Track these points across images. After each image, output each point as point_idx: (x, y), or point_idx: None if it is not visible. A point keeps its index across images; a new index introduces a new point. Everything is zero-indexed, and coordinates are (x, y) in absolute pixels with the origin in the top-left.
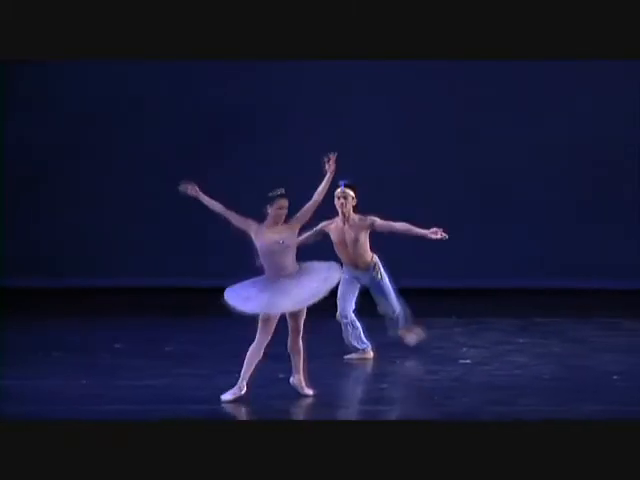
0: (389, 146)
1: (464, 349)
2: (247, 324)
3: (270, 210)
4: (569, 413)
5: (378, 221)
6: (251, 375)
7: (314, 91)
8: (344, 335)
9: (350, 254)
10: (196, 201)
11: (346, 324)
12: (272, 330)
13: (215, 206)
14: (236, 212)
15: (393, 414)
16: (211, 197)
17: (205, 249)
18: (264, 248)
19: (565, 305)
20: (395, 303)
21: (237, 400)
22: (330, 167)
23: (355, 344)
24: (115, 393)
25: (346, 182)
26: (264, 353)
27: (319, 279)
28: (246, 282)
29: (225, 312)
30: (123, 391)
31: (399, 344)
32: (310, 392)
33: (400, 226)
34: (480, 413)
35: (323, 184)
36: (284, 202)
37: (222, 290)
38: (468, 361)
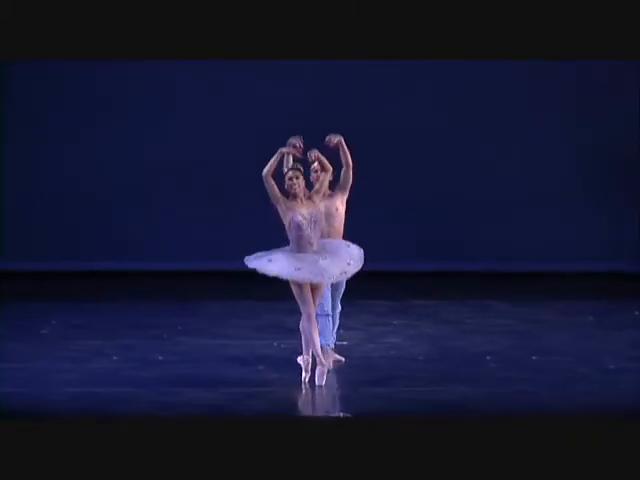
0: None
1: (340, 331)
2: (122, 308)
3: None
4: (443, 393)
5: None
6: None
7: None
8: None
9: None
10: None
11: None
12: (311, 299)
13: (271, 167)
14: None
15: (269, 396)
16: None
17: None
18: (293, 223)
19: (438, 288)
20: None
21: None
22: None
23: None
24: None
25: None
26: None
27: (345, 261)
28: (268, 252)
29: (105, 296)
30: None
31: (278, 326)
32: (322, 381)
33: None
34: (356, 394)
35: (345, 151)
36: (292, 174)
37: (100, 274)
38: (345, 342)
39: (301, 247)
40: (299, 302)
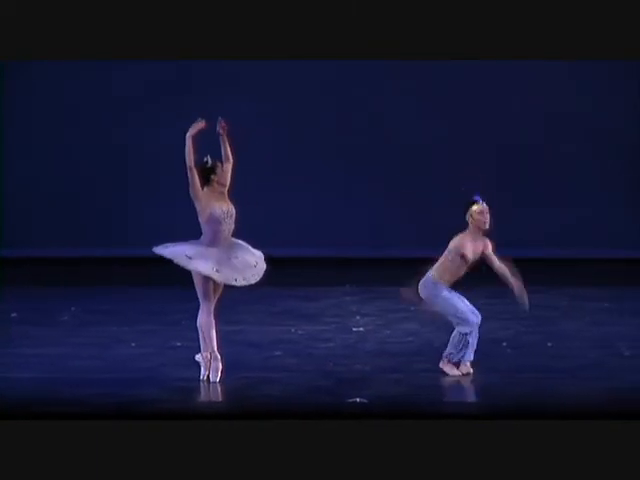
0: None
1: (357, 317)
2: (139, 295)
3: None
4: (462, 379)
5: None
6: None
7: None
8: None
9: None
10: None
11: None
12: (212, 295)
13: (189, 155)
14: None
15: (287, 381)
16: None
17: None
18: (214, 217)
19: None
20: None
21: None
22: (222, 127)
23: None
24: (9, 361)
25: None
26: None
27: (253, 262)
28: (180, 244)
29: (119, 282)
30: (18, 359)
31: (294, 312)
32: (217, 377)
33: (499, 267)
34: (373, 379)
35: (226, 146)
36: (203, 168)
37: (117, 260)
38: (361, 329)
39: (215, 241)
40: (201, 297)
